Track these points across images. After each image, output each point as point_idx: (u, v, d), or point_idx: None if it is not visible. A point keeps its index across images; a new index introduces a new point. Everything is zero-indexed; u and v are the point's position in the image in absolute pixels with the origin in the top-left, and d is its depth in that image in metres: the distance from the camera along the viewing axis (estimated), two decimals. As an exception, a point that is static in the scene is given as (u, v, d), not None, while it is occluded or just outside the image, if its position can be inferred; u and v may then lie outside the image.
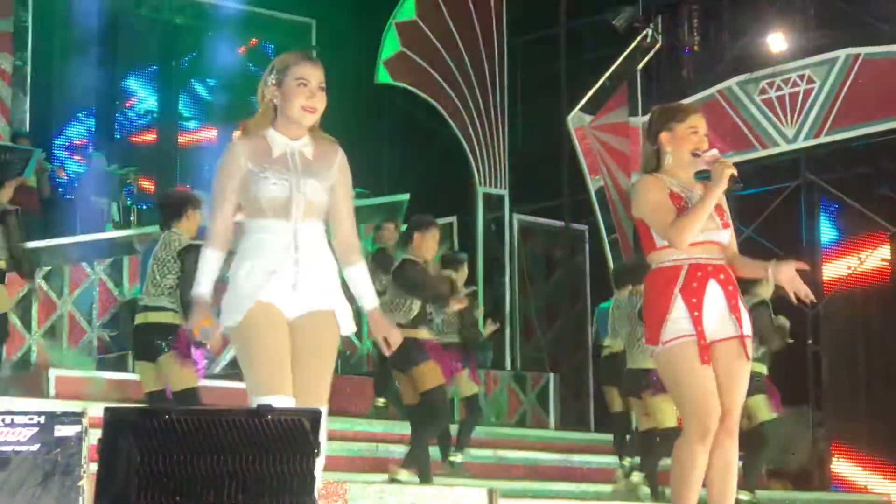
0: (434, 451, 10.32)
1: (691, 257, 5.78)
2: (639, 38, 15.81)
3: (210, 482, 4.19)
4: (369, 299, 5.26)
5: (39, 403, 9.84)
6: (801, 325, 14.24)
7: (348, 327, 5.25)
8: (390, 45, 14.93)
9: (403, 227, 11.12)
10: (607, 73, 15.74)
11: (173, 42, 18.03)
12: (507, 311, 15.55)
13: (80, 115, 17.54)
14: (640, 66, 15.90)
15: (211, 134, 18.43)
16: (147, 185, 17.51)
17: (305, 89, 5.11)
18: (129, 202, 15.92)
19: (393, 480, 9.31)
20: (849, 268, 15.07)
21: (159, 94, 18.00)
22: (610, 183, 15.46)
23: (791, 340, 10.72)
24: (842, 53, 14.34)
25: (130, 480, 4.12)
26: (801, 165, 14.77)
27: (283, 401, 4.93)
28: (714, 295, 5.78)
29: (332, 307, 5.14)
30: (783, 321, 10.76)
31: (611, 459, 11.88)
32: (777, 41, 15.08)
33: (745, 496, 10.47)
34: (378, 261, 11.23)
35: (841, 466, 14.93)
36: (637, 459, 10.94)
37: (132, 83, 17.95)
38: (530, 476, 11.92)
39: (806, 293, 5.90)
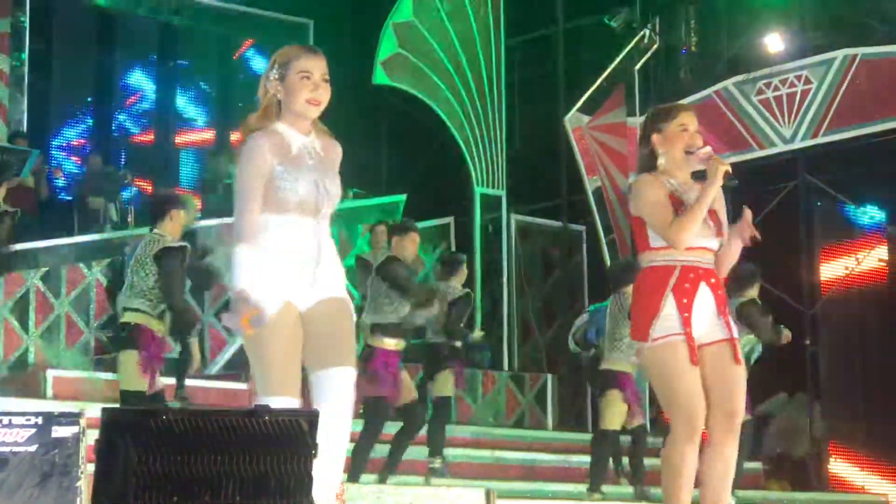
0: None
1: (684, 259, 5.79)
2: (636, 39, 15.81)
3: (207, 483, 4.19)
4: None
5: (37, 404, 9.85)
6: (798, 325, 14.23)
7: (353, 316, 5.25)
8: (387, 45, 14.93)
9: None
10: (605, 74, 15.73)
11: (171, 43, 18.03)
12: (504, 311, 15.55)
13: (77, 115, 17.54)
14: (638, 66, 15.89)
15: (208, 135, 18.43)
16: (144, 185, 17.51)
17: (309, 82, 5.06)
18: (126, 203, 15.91)
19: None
20: (846, 268, 15.07)
21: (157, 94, 18.00)
22: (608, 183, 15.46)
23: (786, 341, 10.68)
24: (839, 54, 14.34)
25: (128, 481, 4.12)
26: (798, 166, 14.76)
27: (290, 402, 4.93)
28: (704, 298, 5.80)
29: (345, 296, 5.16)
30: (778, 326, 10.75)
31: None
32: (774, 42, 15.09)
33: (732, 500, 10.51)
34: (358, 267, 11.29)
35: (839, 467, 14.93)
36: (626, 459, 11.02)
37: (129, 84, 17.94)
38: (528, 476, 11.93)
39: (753, 234, 5.92)
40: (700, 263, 5.82)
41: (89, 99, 17.65)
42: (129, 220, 15.57)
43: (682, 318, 5.73)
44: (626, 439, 11.11)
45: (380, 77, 15.02)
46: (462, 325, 10.82)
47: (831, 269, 15.19)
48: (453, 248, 15.17)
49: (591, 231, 15.97)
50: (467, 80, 15.45)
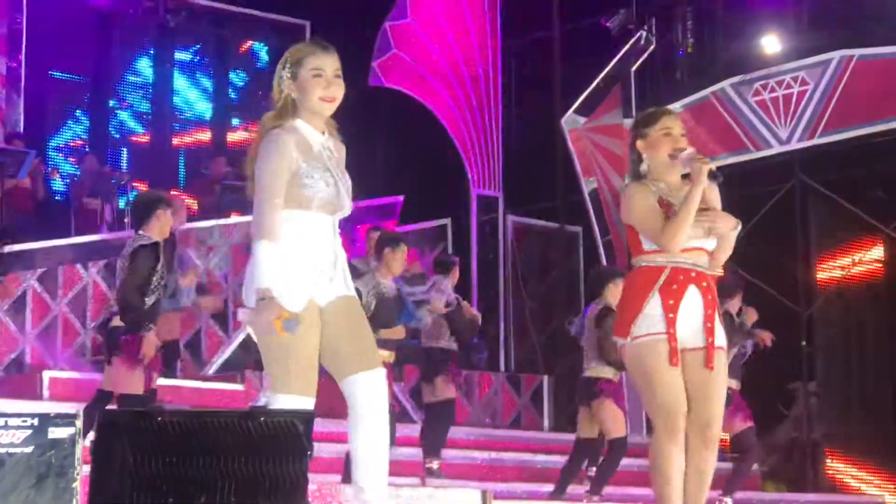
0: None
1: (676, 261, 5.80)
2: (633, 41, 15.82)
3: (203, 484, 4.20)
4: None
5: (33, 405, 9.86)
6: (794, 326, 14.25)
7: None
8: (384, 47, 14.94)
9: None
10: (601, 75, 15.74)
11: (168, 44, 18.02)
12: (501, 312, 15.55)
13: (74, 116, 17.53)
14: (634, 68, 15.90)
15: (205, 135, 18.43)
16: (141, 186, 17.50)
17: (321, 79, 5.06)
18: (122, 204, 15.91)
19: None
20: (842, 269, 15.08)
21: (153, 95, 17.99)
22: (604, 185, 15.47)
23: (765, 344, 10.68)
24: (835, 55, 14.35)
25: (124, 482, 4.13)
26: (794, 167, 14.77)
27: (308, 402, 4.94)
28: (692, 302, 5.81)
29: (354, 293, 5.18)
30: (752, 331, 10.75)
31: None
32: (771, 43, 15.10)
33: (728, 501, 10.54)
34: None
35: (835, 468, 14.94)
36: None
37: (126, 85, 17.93)
38: (524, 477, 11.93)
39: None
40: (693, 266, 5.84)
41: (86, 100, 17.63)
42: (125, 221, 15.55)
43: (667, 318, 5.75)
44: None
45: (376, 78, 15.03)
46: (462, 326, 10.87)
47: (827, 270, 15.20)
48: (450, 249, 15.18)
49: (587, 232, 15.98)
50: (464, 81, 15.46)
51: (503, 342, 15.54)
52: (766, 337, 10.63)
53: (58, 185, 16.76)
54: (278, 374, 4.99)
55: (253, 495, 4.23)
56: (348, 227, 14.54)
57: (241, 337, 13.04)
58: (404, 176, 16.31)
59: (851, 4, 14.68)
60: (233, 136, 18.62)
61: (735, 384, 10.31)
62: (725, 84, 15.08)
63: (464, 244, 15.43)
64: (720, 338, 5.88)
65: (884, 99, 13.91)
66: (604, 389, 10.15)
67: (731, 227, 5.89)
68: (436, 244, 15.52)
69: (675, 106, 15.07)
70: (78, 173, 16.42)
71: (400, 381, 10.96)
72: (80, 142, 17.47)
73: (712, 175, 5.78)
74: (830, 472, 14.91)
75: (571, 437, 13.64)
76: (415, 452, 10.66)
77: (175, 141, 18.24)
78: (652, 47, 15.93)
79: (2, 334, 12.11)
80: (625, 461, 10.91)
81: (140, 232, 8.81)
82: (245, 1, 17.59)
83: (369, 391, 5.01)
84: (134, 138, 18.06)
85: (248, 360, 12.79)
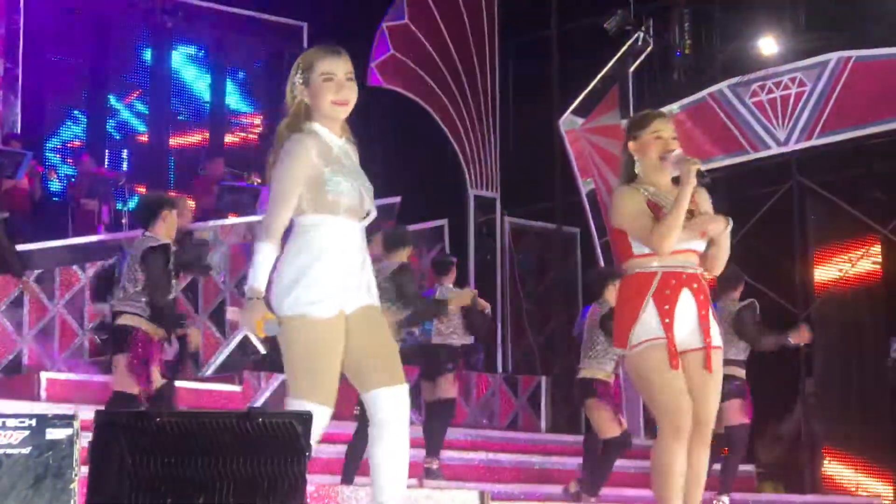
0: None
1: (666, 265, 5.83)
2: (630, 42, 15.82)
3: (201, 484, 4.19)
4: None
5: (31, 406, 9.85)
6: (792, 327, 14.24)
7: None
8: (382, 48, 14.94)
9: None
10: (599, 76, 15.75)
11: (165, 45, 18.01)
12: (498, 313, 15.55)
13: (71, 117, 17.52)
14: (632, 69, 15.90)
15: (202, 136, 18.42)
16: (139, 187, 17.49)
17: (332, 83, 5.07)
18: (120, 205, 15.91)
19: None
20: (840, 270, 15.08)
21: (151, 96, 17.98)
22: (601, 186, 15.47)
23: (774, 348, 10.72)
24: (833, 56, 14.35)
25: (122, 483, 4.12)
26: (792, 168, 14.77)
27: (327, 413, 4.94)
28: (686, 304, 5.85)
29: (377, 302, 5.15)
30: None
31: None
32: (768, 44, 15.10)
33: (725, 500, 10.54)
34: None
35: (832, 468, 14.94)
36: None
37: (123, 86, 17.93)
38: (521, 479, 11.92)
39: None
40: (683, 268, 5.88)
41: (83, 101, 17.62)
42: (123, 222, 15.55)
43: (664, 323, 5.80)
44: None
45: (374, 79, 15.03)
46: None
47: (825, 272, 15.20)
48: (447, 250, 15.17)
49: (585, 233, 15.98)
50: (461, 82, 15.47)
51: (500, 343, 15.54)
52: (805, 334, 10.68)
53: (55, 185, 16.74)
54: (299, 381, 5.00)
55: (251, 496, 4.23)
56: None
57: (238, 338, 13.04)
58: (402, 176, 16.29)
59: (849, 6, 14.68)
60: (230, 138, 18.63)
61: (742, 373, 10.39)
62: (723, 85, 15.08)
63: (461, 245, 15.43)
64: (716, 337, 5.93)
65: (881, 100, 13.91)
66: (596, 390, 10.17)
67: (723, 228, 5.91)
68: (433, 245, 15.52)
69: (673, 107, 15.09)
70: (75, 174, 16.41)
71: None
72: (77, 143, 17.46)
73: (700, 175, 5.81)
74: (828, 472, 14.91)
75: (569, 438, 13.70)
76: (414, 453, 10.62)
77: (172, 142, 18.24)
78: (649, 48, 15.93)
79: (-1, 335, 12.12)
80: (622, 463, 10.94)
81: (147, 233, 8.84)
82: (243, 2, 17.59)
83: (392, 408, 4.99)
84: (131, 139, 18.05)
85: (245, 362, 12.80)
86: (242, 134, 18.83)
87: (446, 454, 11.11)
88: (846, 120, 14.17)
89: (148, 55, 18.02)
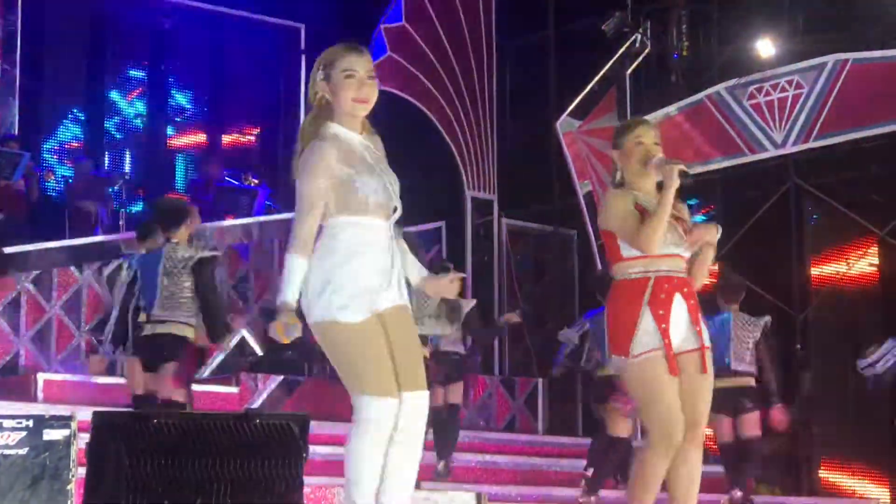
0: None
1: (658, 270, 5.89)
2: (628, 44, 15.81)
3: (198, 485, 4.19)
4: (422, 267, 5.27)
5: (28, 407, 9.86)
6: (789, 328, 14.25)
7: None
8: (379, 49, 14.92)
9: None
10: (596, 78, 15.73)
11: (162, 46, 18.01)
12: (496, 315, 15.53)
13: (68, 118, 17.51)
14: (629, 71, 15.89)
15: (199, 138, 18.41)
16: (136, 189, 17.48)
17: (353, 80, 5.08)
18: (117, 206, 15.90)
19: None
20: (837, 272, 15.08)
21: (148, 97, 17.98)
22: (598, 188, 15.46)
23: None
24: (830, 59, 14.35)
25: (119, 484, 4.12)
26: (789, 170, 14.77)
27: (395, 404, 4.91)
28: (679, 309, 5.92)
29: (408, 302, 5.14)
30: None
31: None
32: (765, 46, 15.10)
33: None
34: None
35: (829, 471, 14.93)
36: None
37: (121, 87, 17.92)
38: (518, 480, 11.93)
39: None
40: (673, 273, 5.94)
41: (81, 102, 17.61)
42: (120, 223, 15.54)
43: (660, 329, 5.85)
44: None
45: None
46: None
47: (822, 273, 15.20)
48: (444, 252, 15.17)
49: (582, 235, 15.97)
50: (459, 83, 15.46)
51: (497, 345, 15.52)
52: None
53: (52, 186, 16.73)
54: (351, 380, 4.96)
55: (248, 497, 4.23)
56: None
57: (235, 340, 13.03)
58: (399, 178, 16.27)
59: (846, 8, 14.68)
60: (227, 139, 18.62)
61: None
62: (720, 87, 15.08)
63: (458, 247, 15.42)
64: (707, 338, 6.00)
65: (879, 102, 13.91)
66: (619, 387, 10.17)
67: (715, 234, 5.99)
68: (430, 247, 15.50)
69: (670, 109, 15.10)
70: (72, 175, 16.40)
71: None
72: (74, 144, 17.45)
73: (682, 175, 5.85)
74: (825, 475, 14.90)
75: (566, 439, 13.71)
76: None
77: (170, 143, 18.23)
78: (647, 50, 15.93)
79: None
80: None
81: (174, 241, 8.85)
82: (241, 4, 17.58)
83: (410, 412, 4.98)
84: (129, 141, 18.03)
85: (242, 363, 12.80)
86: (240, 136, 18.82)
87: (443, 455, 11.12)
88: (843, 122, 14.17)
89: (145, 56, 18.02)
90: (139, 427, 4.17)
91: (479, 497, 8.08)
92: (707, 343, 5.96)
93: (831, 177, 14.85)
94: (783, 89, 14.62)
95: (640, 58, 15.94)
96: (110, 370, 11.77)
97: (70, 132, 17.48)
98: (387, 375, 4.93)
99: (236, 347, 13.06)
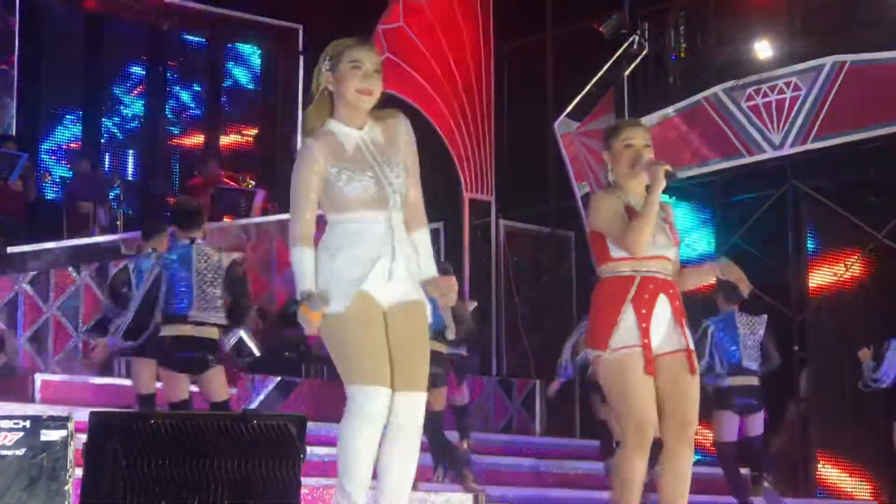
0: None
1: (644, 270, 5.93)
2: (625, 45, 15.81)
3: (195, 486, 4.19)
4: (431, 266, 5.22)
5: (25, 408, 9.85)
6: (787, 331, 14.25)
7: (429, 319, 5.21)
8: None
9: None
10: (594, 80, 15.73)
11: (160, 46, 18.01)
12: (493, 317, 15.54)
13: (66, 119, 17.52)
14: (627, 72, 15.89)
15: (198, 138, 18.42)
16: (135, 189, 17.48)
17: (359, 72, 5.07)
18: (115, 207, 15.90)
19: None
20: (835, 274, 15.08)
21: (146, 98, 17.98)
22: (596, 189, 15.46)
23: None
24: (828, 61, 14.35)
25: (116, 485, 4.12)
26: (787, 172, 14.78)
27: (384, 392, 4.91)
28: (662, 309, 5.96)
29: (421, 297, 5.13)
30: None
31: (597, 465, 11.90)
32: (763, 48, 15.09)
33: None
34: None
35: (827, 472, 14.94)
36: None
37: (119, 88, 17.92)
38: (517, 482, 11.92)
39: (748, 287, 6.16)
40: (658, 273, 5.98)
41: (79, 103, 17.61)
42: (118, 223, 15.54)
43: (641, 328, 5.89)
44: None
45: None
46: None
47: (820, 276, 15.20)
48: (442, 254, 15.16)
49: (579, 237, 15.96)
50: (456, 85, 15.45)
51: (495, 347, 15.53)
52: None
53: (50, 187, 16.73)
54: (347, 365, 4.98)
55: (245, 498, 4.23)
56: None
57: (233, 340, 13.02)
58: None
59: (844, 10, 14.68)
60: (226, 140, 18.62)
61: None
62: (718, 89, 15.08)
63: (456, 248, 15.42)
64: (691, 341, 6.04)
65: (876, 104, 13.91)
66: None
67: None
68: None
69: (668, 110, 15.10)
70: (70, 176, 16.41)
71: None
72: (72, 144, 17.45)
73: (668, 175, 5.88)
74: (822, 477, 14.91)
75: (564, 441, 13.71)
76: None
77: (168, 144, 18.23)
78: (645, 52, 15.93)
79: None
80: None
81: (199, 241, 8.86)
82: (239, 4, 17.58)
83: (402, 413, 4.98)
84: (127, 141, 18.04)
85: (240, 364, 12.79)
86: (237, 136, 18.82)
87: (441, 456, 11.11)
88: (841, 124, 14.17)
89: (143, 56, 18.02)
90: (136, 427, 4.17)
91: (476, 498, 8.08)
92: (692, 346, 5.98)
93: (829, 179, 14.86)
94: (781, 91, 14.62)
95: (638, 59, 15.95)
96: (107, 370, 11.77)
97: (68, 133, 17.48)
98: (374, 364, 4.93)
99: (233, 348, 13.05)
